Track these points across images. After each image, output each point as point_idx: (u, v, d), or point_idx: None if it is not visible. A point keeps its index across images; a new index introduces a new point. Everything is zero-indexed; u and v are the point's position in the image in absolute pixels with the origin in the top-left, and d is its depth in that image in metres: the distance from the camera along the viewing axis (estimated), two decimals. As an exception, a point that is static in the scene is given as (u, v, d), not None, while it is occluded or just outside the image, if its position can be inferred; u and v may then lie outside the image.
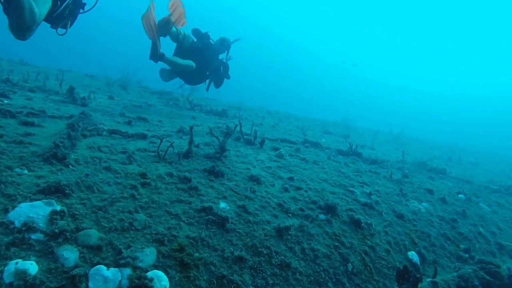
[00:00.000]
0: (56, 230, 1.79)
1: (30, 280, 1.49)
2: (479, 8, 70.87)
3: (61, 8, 4.73)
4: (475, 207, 4.55)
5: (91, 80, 9.81)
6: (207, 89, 7.44)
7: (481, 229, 3.99)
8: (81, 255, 1.76)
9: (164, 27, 5.76)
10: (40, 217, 1.85)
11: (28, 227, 1.75)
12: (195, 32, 6.75)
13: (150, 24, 5.43)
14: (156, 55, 5.63)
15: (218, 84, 7.27)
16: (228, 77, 7.21)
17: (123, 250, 1.87)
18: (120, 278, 1.73)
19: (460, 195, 4.75)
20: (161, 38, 5.94)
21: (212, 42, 6.89)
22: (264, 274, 2.14)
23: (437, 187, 4.91)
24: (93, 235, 1.90)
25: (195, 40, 6.64)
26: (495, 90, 67.06)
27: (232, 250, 2.19)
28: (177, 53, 6.45)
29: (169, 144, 3.27)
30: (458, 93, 69.22)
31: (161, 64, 6.16)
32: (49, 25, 5.06)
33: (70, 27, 5.20)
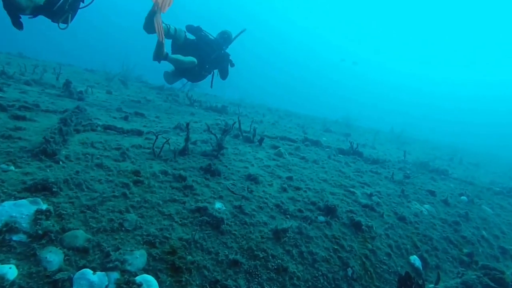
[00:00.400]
0: (40, 231, 1.69)
1: (7, 286, 1.40)
2: (479, 6, 70.24)
3: (61, 1, 4.63)
4: (478, 210, 4.45)
5: (90, 74, 9.70)
6: (211, 85, 7.31)
7: (484, 233, 3.89)
8: (66, 257, 1.66)
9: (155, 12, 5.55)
10: (23, 216, 1.76)
11: (10, 227, 1.65)
12: (188, 28, 6.72)
13: (160, 25, 5.42)
14: (161, 55, 5.56)
15: (223, 75, 7.13)
16: (232, 65, 7.07)
17: (111, 253, 1.77)
18: (106, 283, 1.63)
19: (462, 197, 4.65)
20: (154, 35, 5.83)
21: (211, 37, 6.79)
22: (260, 279, 2.04)
23: (439, 188, 4.81)
24: (80, 236, 1.80)
25: (188, 35, 6.57)
26: (495, 90, 66.70)
27: (227, 253, 2.09)
28: (174, 50, 6.36)
29: (165, 140, 3.18)
30: (456, 91, 68.89)
31: (164, 63, 6.05)
32: (50, 19, 4.99)
33: (71, 21, 5.13)
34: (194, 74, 6.83)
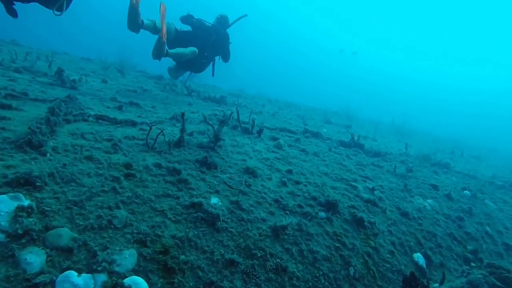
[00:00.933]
0: (20, 230, 1.57)
1: (-20, 292, 1.28)
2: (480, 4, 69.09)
3: None
4: (481, 204, 4.35)
5: (86, 63, 9.48)
6: (213, 73, 7.19)
7: (487, 228, 3.80)
8: (49, 258, 1.55)
9: (134, 13, 5.37)
10: (2, 214, 1.63)
11: (-14, 226, 1.53)
12: (181, 19, 6.67)
13: (164, 23, 5.37)
14: (162, 53, 5.49)
15: (225, 58, 7.02)
16: (229, 43, 6.95)
17: (98, 253, 1.65)
18: (92, 286, 1.52)
19: (465, 191, 4.54)
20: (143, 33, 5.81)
21: (207, 23, 6.67)
22: (257, 279, 1.93)
23: (442, 182, 4.69)
24: (64, 235, 1.68)
25: (180, 27, 6.48)
26: (495, 84, 66.11)
27: (223, 252, 1.98)
28: (168, 44, 6.24)
29: (159, 131, 3.04)
30: (454, 85, 68.32)
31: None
32: (44, 6, 4.82)
33: (66, 9, 4.97)
34: (196, 64, 6.74)
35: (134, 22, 5.33)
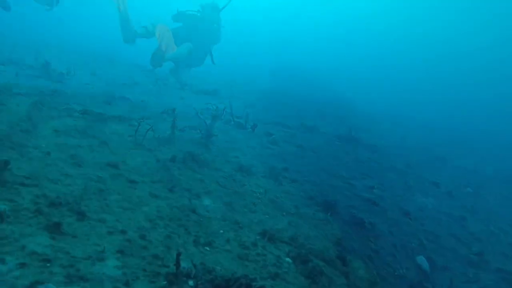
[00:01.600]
0: (-12, 240, 1.41)
1: None
2: None
3: None
4: (483, 201, 4.26)
5: (76, 55, 9.21)
6: (212, 60, 7.16)
7: (491, 227, 3.70)
8: (21, 269, 1.39)
9: (126, 19, 5.36)
10: (-30, 221, 1.47)
11: (-50, 236, 1.37)
12: (173, 18, 6.69)
13: (165, 34, 5.36)
14: (161, 60, 5.60)
15: (216, 39, 7.07)
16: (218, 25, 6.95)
17: (80, 261, 1.50)
18: (70, 301, 1.37)
19: (467, 188, 4.45)
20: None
21: (198, 14, 6.59)
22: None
23: (443, 178, 4.59)
24: (41, 242, 1.52)
25: (173, 25, 6.47)
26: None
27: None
28: None
29: (149, 127, 2.87)
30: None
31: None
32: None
33: (56, 4, 4.84)
34: (194, 58, 6.70)
35: (127, 30, 5.37)
